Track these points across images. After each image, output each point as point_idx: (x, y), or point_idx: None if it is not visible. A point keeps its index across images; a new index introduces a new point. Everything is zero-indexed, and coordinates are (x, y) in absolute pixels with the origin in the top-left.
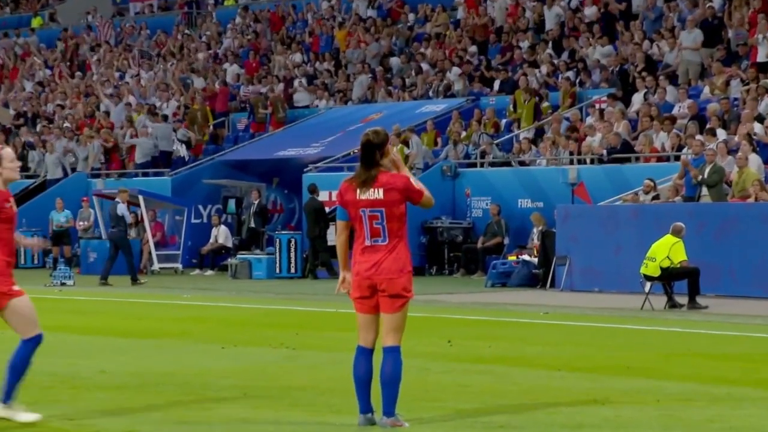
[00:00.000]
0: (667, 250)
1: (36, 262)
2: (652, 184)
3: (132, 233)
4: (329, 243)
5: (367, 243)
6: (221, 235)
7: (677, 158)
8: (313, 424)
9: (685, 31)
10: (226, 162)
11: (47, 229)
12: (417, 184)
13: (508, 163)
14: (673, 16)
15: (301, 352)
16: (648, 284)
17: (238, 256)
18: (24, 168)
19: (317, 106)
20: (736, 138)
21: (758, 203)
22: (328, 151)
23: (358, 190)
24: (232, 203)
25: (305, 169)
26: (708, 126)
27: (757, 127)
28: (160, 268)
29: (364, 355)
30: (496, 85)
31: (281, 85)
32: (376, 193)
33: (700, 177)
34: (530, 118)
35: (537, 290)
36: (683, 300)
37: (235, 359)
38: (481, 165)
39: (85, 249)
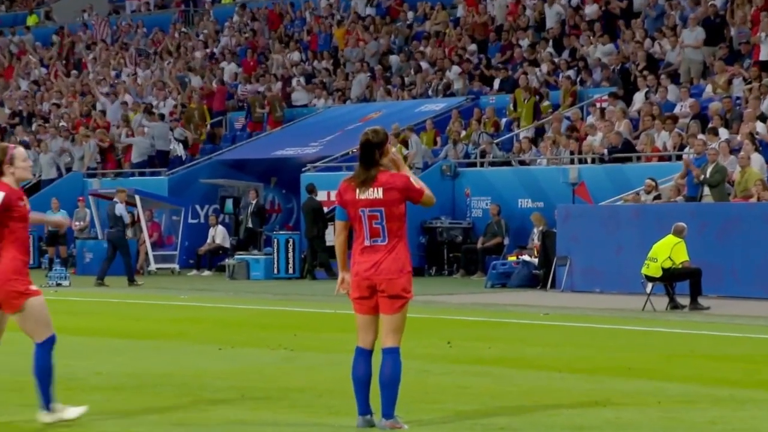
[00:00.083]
0: (669, 250)
1: (32, 262)
2: (653, 183)
3: (128, 233)
4: (328, 243)
5: (367, 243)
6: (218, 235)
7: (679, 158)
8: (312, 425)
9: (687, 29)
10: (223, 161)
11: (42, 230)
12: (417, 183)
13: (508, 163)
14: (675, 14)
15: (299, 354)
16: (649, 285)
17: (236, 256)
18: None
19: (315, 105)
20: (739, 137)
21: (761, 203)
22: (327, 150)
23: (357, 190)
24: (229, 203)
25: (303, 169)
26: (710, 125)
27: (760, 127)
28: (157, 269)
29: (363, 356)
30: (496, 83)
31: (279, 84)
32: (376, 193)
33: (702, 177)
34: (530, 117)
35: (537, 291)
36: (685, 301)
37: (232, 360)
38: (481, 165)
39: (81, 249)
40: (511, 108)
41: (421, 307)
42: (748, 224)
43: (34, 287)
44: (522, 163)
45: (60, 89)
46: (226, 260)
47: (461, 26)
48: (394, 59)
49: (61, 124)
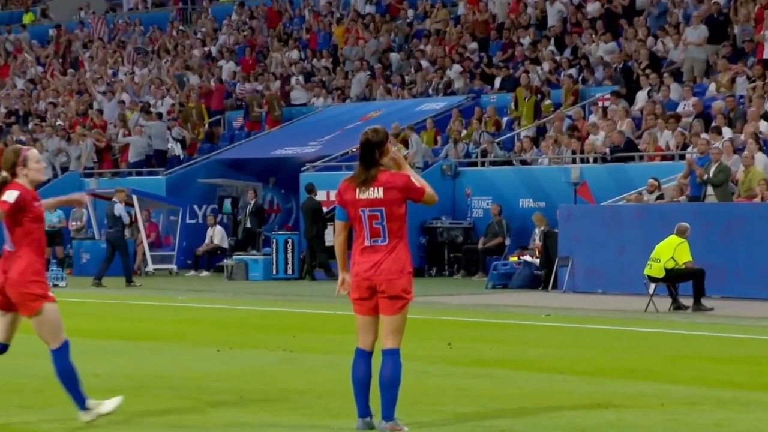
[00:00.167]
0: (672, 250)
1: None
2: (656, 183)
3: (126, 234)
4: (327, 243)
5: (367, 243)
6: (217, 235)
7: (682, 157)
8: (311, 427)
9: (690, 27)
10: (221, 161)
11: None
12: (418, 181)
13: (509, 162)
14: (678, 12)
15: (298, 355)
16: (652, 285)
17: (234, 256)
18: None
19: (315, 104)
20: (742, 136)
21: (765, 203)
22: (326, 149)
23: (357, 190)
24: (227, 203)
25: (302, 169)
26: (713, 124)
27: (764, 126)
28: (155, 270)
29: (363, 357)
30: (497, 82)
31: (278, 83)
32: (376, 193)
33: (706, 176)
34: (531, 117)
35: (539, 292)
36: (688, 302)
37: (231, 362)
38: (482, 164)
39: (78, 250)
40: (513, 107)
41: (422, 308)
42: (752, 224)
43: (51, 293)
44: (523, 162)
45: (56, 88)
46: (225, 261)
47: (462, 24)
48: (394, 57)
49: (57, 123)
